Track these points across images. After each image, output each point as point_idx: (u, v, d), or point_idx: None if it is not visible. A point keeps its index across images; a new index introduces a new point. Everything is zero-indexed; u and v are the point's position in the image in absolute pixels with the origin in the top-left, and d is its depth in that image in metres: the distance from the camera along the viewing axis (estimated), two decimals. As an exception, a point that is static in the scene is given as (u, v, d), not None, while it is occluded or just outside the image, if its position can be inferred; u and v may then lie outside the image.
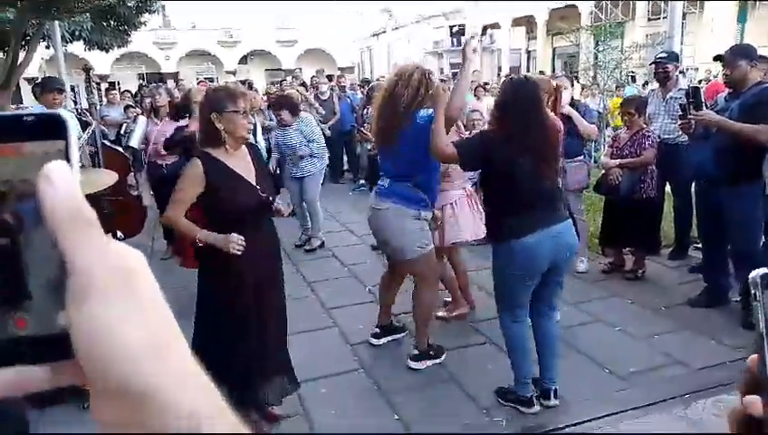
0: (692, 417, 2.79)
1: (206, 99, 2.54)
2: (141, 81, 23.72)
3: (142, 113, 6.18)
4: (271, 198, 2.59)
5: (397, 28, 36.13)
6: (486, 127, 3.45)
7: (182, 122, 4.62)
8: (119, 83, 21.93)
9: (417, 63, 3.35)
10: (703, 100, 3.74)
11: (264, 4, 33.17)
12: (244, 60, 35.25)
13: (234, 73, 30.67)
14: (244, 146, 2.57)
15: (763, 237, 4.66)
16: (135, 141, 5.10)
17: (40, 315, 0.30)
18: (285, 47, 35.38)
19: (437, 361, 3.40)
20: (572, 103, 4.59)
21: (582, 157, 4.66)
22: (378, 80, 9.50)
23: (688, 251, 5.03)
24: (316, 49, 35.38)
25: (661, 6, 16.86)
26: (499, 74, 21.48)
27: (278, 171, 5.91)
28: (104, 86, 16.01)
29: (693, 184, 4.51)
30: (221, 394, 0.32)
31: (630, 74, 10.07)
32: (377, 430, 2.81)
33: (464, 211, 3.82)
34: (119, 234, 5.69)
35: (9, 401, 0.30)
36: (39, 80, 6.07)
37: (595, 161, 6.90)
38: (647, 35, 16.06)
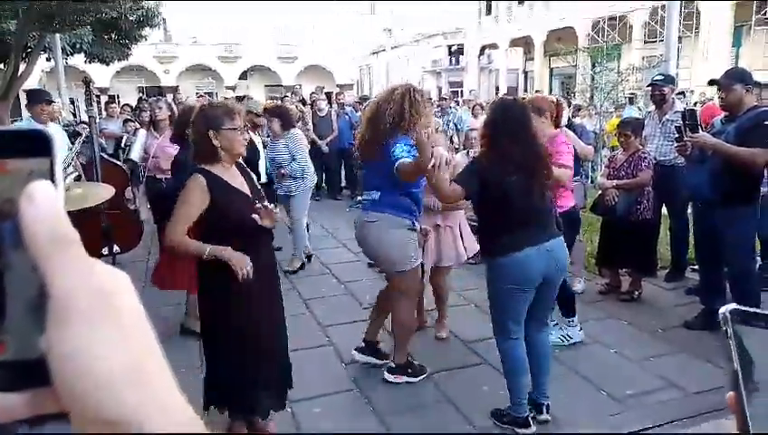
0: (688, 441, 2.77)
1: (203, 116, 2.51)
2: (141, 94, 23.84)
3: (141, 126, 6.19)
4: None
5: (396, 47, 36.49)
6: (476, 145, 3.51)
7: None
8: (118, 96, 21.99)
9: (407, 82, 3.36)
10: (699, 122, 3.78)
11: (265, 21, 33.45)
12: (244, 75, 35.47)
13: (233, 89, 30.81)
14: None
15: (759, 260, 4.68)
16: (135, 154, 5.10)
17: (20, 340, 0.29)
18: (285, 63, 35.64)
19: (413, 379, 3.33)
20: (568, 124, 4.64)
21: (579, 177, 4.69)
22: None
23: (685, 273, 5.03)
24: (316, 66, 35.66)
25: (657, 30, 17.08)
26: (497, 94, 21.64)
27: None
28: (104, 99, 16.05)
29: (689, 206, 4.54)
30: (203, 422, 0.31)
31: (629, 96, 10.18)
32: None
33: (449, 234, 3.83)
34: (115, 248, 5.67)
35: None
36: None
37: (592, 182, 6.93)
38: (643, 58, 16.27)
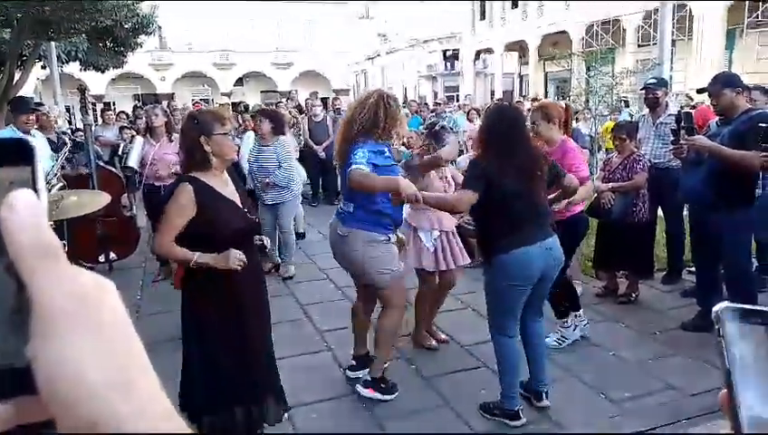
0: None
1: (193, 122, 2.51)
2: (137, 101, 23.83)
3: (138, 134, 6.19)
4: (257, 220, 2.58)
5: (391, 52, 36.61)
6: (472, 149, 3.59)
7: None
8: (114, 104, 21.99)
9: (378, 89, 3.31)
10: (694, 125, 3.80)
11: (259, 27, 33.52)
12: (239, 82, 35.50)
13: (229, 95, 30.87)
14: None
15: (756, 261, 4.70)
16: (133, 162, 5.09)
17: (4, 348, 0.29)
18: (281, 69, 35.70)
19: (383, 397, 3.21)
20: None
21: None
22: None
23: (681, 275, 5.04)
24: (311, 71, 35.72)
25: (651, 33, 17.19)
26: (492, 98, 21.71)
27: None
28: (99, 107, 16.06)
29: (685, 208, 4.55)
30: (191, 428, 0.31)
31: (624, 99, 10.22)
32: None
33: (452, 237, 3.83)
34: (112, 254, 5.67)
35: None
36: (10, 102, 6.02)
37: (587, 185, 6.93)
38: (637, 61, 16.37)
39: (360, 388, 3.28)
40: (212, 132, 2.43)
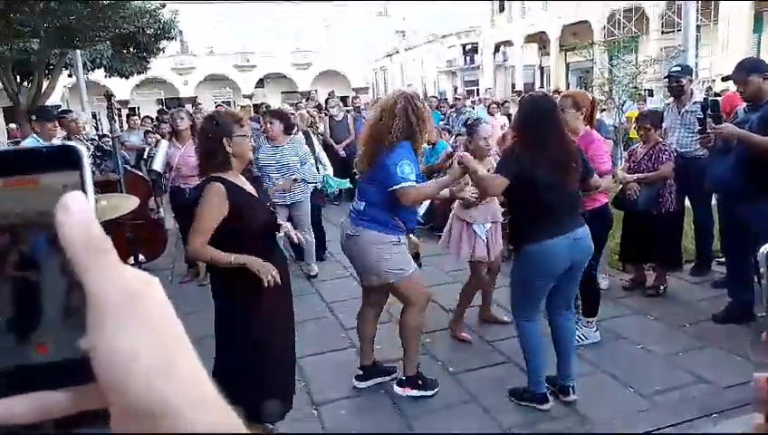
0: (720, 436, 2.72)
1: (213, 124, 2.55)
2: (160, 106, 24.22)
3: (162, 138, 6.29)
4: (274, 210, 2.64)
5: (410, 48, 36.50)
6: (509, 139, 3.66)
7: None
8: (138, 109, 22.39)
9: (400, 90, 3.21)
10: (721, 113, 3.72)
11: (278, 28, 33.74)
12: (260, 83, 35.81)
13: (250, 97, 31.11)
14: None
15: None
16: (158, 165, 5.19)
17: (61, 341, 0.31)
18: (301, 70, 35.91)
19: (426, 393, 3.21)
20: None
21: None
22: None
23: (711, 266, 4.95)
24: (330, 71, 35.85)
25: (675, 20, 16.80)
26: (513, 91, 21.48)
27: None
28: (125, 112, 16.37)
29: (713, 197, 4.46)
30: (236, 413, 0.33)
31: (648, 89, 10.03)
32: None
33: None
34: (140, 257, 5.78)
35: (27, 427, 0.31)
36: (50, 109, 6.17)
37: (612, 176, 6.84)
38: (661, 49, 16.00)
39: (396, 388, 3.27)
40: (232, 133, 2.48)
